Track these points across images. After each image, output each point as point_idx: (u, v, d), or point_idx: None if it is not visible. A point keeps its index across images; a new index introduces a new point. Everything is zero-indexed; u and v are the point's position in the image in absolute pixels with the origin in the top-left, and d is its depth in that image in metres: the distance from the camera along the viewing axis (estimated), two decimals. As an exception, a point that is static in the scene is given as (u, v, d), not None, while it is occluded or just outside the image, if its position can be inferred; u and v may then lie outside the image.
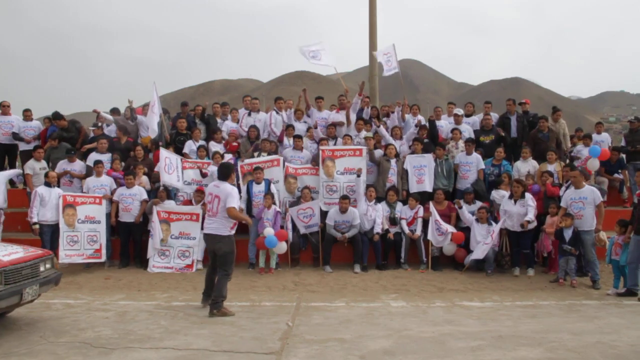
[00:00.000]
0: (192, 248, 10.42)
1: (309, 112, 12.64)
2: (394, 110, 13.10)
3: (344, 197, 10.31)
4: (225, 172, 7.46)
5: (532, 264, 10.00)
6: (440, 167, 11.25)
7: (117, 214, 10.42)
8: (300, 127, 12.46)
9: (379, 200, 10.81)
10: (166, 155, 10.78)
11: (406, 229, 10.63)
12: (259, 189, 10.54)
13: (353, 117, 12.12)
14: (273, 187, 10.57)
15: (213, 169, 10.55)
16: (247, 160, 10.98)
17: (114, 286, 9.11)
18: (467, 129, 12.24)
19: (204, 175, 10.98)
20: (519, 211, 9.87)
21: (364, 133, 11.83)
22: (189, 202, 10.91)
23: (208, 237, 7.36)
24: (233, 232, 7.25)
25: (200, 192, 10.71)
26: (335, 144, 11.60)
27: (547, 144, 11.45)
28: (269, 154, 11.32)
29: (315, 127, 12.08)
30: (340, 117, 12.17)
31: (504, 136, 11.91)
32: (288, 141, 11.95)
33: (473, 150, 11.27)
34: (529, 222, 9.69)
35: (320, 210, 10.69)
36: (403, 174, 11.20)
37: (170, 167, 10.77)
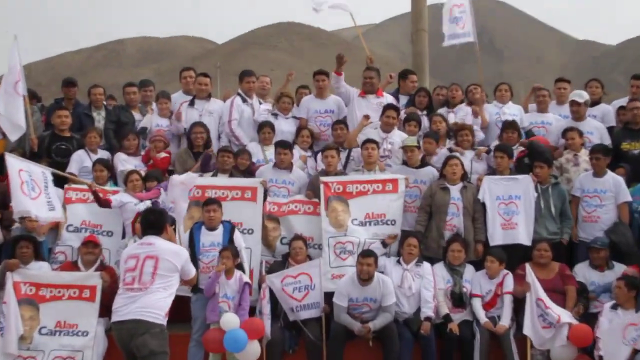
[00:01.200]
0: (82, 353, 9.43)
1: (304, 100, 12.28)
2: (456, 97, 12.41)
3: (366, 254, 9.57)
4: (157, 223, 7.65)
5: None
6: (545, 199, 10.37)
7: None
8: (285, 127, 11.79)
9: (429, 260, 10.10)
10: (21, 167, 9.84)
11: (482, 315, 9.75)
12: (211, 239, 9.79)
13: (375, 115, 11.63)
14: (239, 237, 9.87)
15: (124, 199, 10.44)
16: (184, 177, 10.06)
17: None
18: (595, 127, 11.38)
19: (103, 203, 10.36)
20: None
21: (396, 136, 11.22)
22: (72, 267, 10.07)
23: (123, 328, 7.24)
24: (166, 321, 7.35)
25: (92, 246, 10.01)
26: (347, 159, 11.25)
27: None
28: (231, 175, 10.75)
29: (304, 128, 11.75)
30: (365, 107, 11.69)
31: None
32: (262, 152, 11.39)
33: (606, 167, 10.43)
34: None
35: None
36: (476, 212, 10.37)
37: (33, 186, 9.81)
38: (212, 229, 9.69)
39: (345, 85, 11.94)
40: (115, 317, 7.36)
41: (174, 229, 9.38)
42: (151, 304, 7.33)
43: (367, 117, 11.29)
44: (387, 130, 11.13)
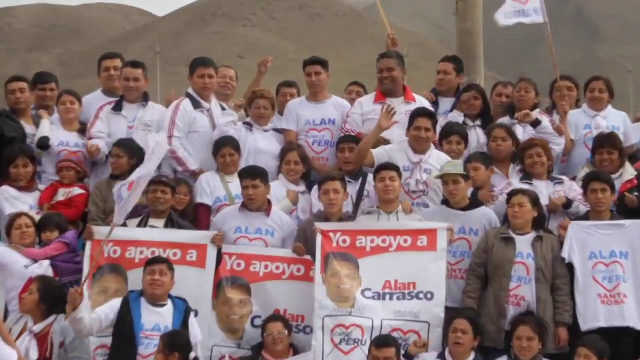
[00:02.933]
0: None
1: (291, 104, 11.56)
2: (528, 100, 11.47)
3: (384, 343, 8.91)
4: None
5: None
6: None
7: None
8: (263, 145, 11.06)
9: (484, 351, 9.44)
10: None
11: None
12: (156, 319, 9.05)
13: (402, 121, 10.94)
14: (195, 324, 9.18)
15: (8, 258, 9.45)
16: (103, 234, 9.62)
17: None
18: None
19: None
20: None
21: (435, 160, 10.45)
22: None
23: None
24: None
25: None
26: (360, 197, 10.47)
27: None
28: (170, 224, 10.13)
29: (292, 150, 10.99)
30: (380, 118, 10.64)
31: None
32: (223, 185, 10.63)
33: None
34: None
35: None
36: (558, 278, 9.68)
37: None
38: (157, 303, 9.02)
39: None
40: None
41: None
42: None
43: (389, 109, 10.46)
44: (420, 150, 10.44)
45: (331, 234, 9.96)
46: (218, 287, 9.98)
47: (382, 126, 10.63)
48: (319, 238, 9.88)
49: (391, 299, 9.84)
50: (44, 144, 10.95)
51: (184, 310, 9.21)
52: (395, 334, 9.55)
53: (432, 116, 10.82)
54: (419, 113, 10.71)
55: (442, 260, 9.85)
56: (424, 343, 9.63)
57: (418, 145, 10.53)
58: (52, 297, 8.37)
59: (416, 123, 10.51)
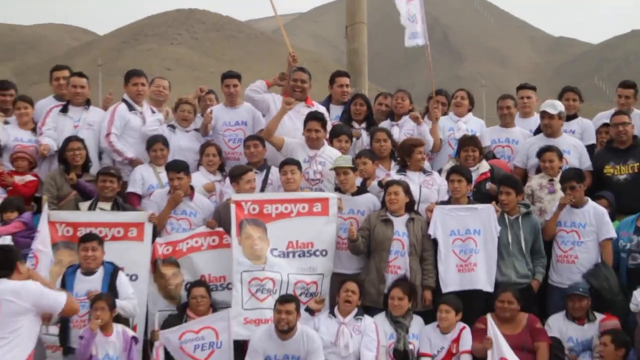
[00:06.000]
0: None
1: (211, 107, 12.53)
2: (402, 107, 12.63)
3: (285, 300, 9.88)
4: (4, 263, 7.79)
5: None
6: (514, 232, 10.80)
7: None
8: (184, 143, 12.15)
9: (369, 311, 10.45)
10: None
11: None
12: (87, 285, 9.92)
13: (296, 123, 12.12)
14: (124, 281, 10.14)
15: None
16: (57, 217, 10.70)
17: None
18: (573, 145, 11.83)
19: None
20: None
21: (327, 152, 11.60)
22: None
23: None
24: None
25: None
26: (265, 184, 11.56)
27: None
28: (115, 206, 11.10)
29: (210, 145, 12.06)
30: (294, 118, 12.08)
31: None
32: (155, 174, 11.60)
33: (584, 194, 10.91)
34: None
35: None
36: (425, 252, 10.80)
37: None
38: (89, 272, 9.99)
39: (263, 93, 12.60)
40: None
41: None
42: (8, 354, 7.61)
43: (289, 101, 11.75)
44: (314, 146, 11.62)
45: (243, 204, 10.88)
46: (154, 266, 10.83)
47: (285, 109, 11.54)
48: (233, 207, 10.77)
49: (294, 256, 10.92)
50: None
51: (110, 273, 10.07)
52: (300, 285, 10.70)
53: (321, 119, 11.76)
54: (310, 117, 11.75)
55: (333, 223, 10.88)
56: (322, 299, 10.64)
57: (311, 143, 11.60)
58: None
59: (308, 126, 11.58)
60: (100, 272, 10.06)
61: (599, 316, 10.22)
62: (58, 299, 7.88)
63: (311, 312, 10.47)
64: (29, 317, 7.73)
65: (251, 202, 10.99)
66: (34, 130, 12.28)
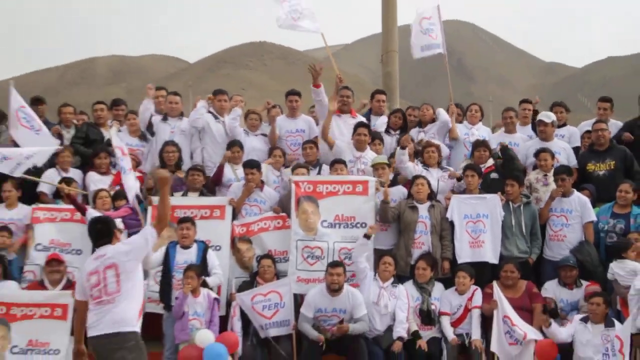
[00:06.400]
0: (51, 373, 10.44)
1: (275, 117, 13.36)
2: (426, 116, 13.64)
3: (335, 264, 10.58)
4: (105, 231, 8.21)
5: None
6: (514, 218, 11.46)
7: None
8: (256, 144, 13.21)
9: (399, 279, 11.13)
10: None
11: (450, 332, 10.77)
12: (185, 257, 10.71)
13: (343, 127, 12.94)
14: (212, 256, 10.96)
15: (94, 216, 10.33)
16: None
17: None
18: (562, 148, 12.68)
19: (81, 209, 11.29)
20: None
21: (369, 154, 12.32)
22: (38, 286, 10.86)
23: (99, 343, 7.81)
24: (139, 324, 7.99)
25: (55, 264, 10.82)
26: (319, 173, 12.33)
27: None
28: (202, 194, 11.95)
29: (275, 145, 12.92)
30: (342, 126, 12.92)
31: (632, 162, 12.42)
32: (232, 171, 12.50)
33: (571, 186, 11.65)
34: None
35: (296, 297, 11.09)
36: (444, 231, 11.56)
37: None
38: (185, 247, 10.82)
39: (325, 97, 13.04)
40: (90, 332, 7.96)
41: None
42: (122, 314, 7.89)
43: (336, 109, 12.68)
44: (360, 149, 12.37)
45: (300, 183, 11.56)
46: (233, 242, 11.53)
47: (330, 110, 12.38)
48: (293, 186, 11.54)
49: (339, 227, 11.62)
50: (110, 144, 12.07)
51: (203, 249, 10.84)
52: (343, 251, 11.30)
53: (367, 127, 12.54)
54: (360, 125, 12.48)
55: (372, 201, 11.51)
56: (374, 226, 11.21)
57: (358, 145, 12.27)
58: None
59: (358, 131, 12.34)
60: (195, 247, 10.80)
61: (584, 283, 10.93)
62: (149, 230, 8.13)
63: (368, 237, 11.08)
64: (139, 270, 8.19)
65: (307, 182, 11.65)
66: (140, 137, 13.32)
